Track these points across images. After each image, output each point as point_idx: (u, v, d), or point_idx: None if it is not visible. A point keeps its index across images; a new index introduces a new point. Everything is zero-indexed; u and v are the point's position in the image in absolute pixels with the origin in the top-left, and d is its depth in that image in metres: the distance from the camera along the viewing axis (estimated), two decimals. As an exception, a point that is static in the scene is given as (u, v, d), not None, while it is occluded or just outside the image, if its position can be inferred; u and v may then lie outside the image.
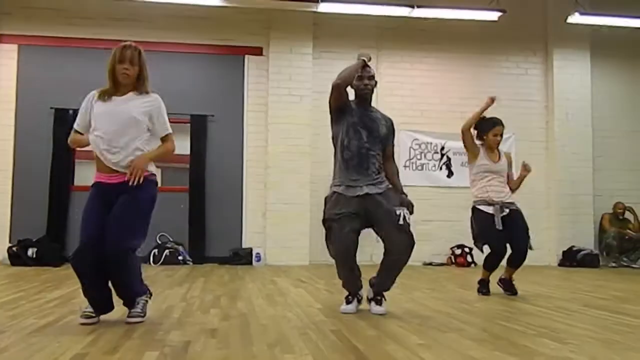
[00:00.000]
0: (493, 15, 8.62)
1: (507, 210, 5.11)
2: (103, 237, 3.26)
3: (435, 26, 9.23)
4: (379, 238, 4.01)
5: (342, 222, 3.89)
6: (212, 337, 3.01)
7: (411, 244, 3.86)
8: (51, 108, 8.47)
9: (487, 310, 4.24)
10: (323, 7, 8.25)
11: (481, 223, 5.14)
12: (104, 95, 3.48)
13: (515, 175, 5.40)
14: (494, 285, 5.25)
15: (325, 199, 4.09)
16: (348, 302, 4.00)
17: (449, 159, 9.30)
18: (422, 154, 9.24)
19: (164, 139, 3.60)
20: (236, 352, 2.68)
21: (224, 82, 9.03)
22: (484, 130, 5.29)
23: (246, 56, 9.04)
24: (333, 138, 4.17)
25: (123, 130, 3.41)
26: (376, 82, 4.20)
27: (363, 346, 2.86)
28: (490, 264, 5.16)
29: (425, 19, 8.84)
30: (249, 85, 9.04)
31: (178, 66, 8.73)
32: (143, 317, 3.46)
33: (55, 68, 8.64)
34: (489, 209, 5.10)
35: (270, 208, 8.73)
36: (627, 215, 9.46)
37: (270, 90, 8.90)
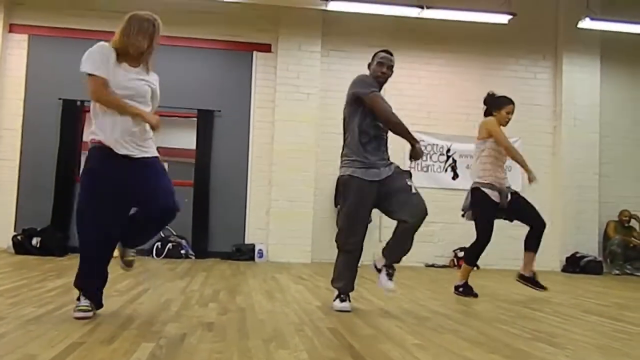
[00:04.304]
0: (503, 18, 8.59)
1: (509, 197, 5.16)
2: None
3: (445, 27, 9.21)
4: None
5: (364, 211, 4.01)
6: (208, 331, 3.02)
7: (426, 209, 3.98)
8: (59, 99, 8.52)
9: (485, 312, 4.23)
10: (332, 6, 8.26)
11: (484, 207, 5.14)
12: (120, 60, 3.35)
13: None
14: (497, 288, 5.23)
15: (342, 181, 4.13)
16: (342, 300, 4.01)
17: (454, 161, 9.29)
18: (428, 156, 9.22)
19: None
20: (231, 346, 2.69)
21: (231, 77, 9.05)
22: (498, 106, 5.25)
23: (254, 52, 9.06)
24: (345, 120, 4.21)
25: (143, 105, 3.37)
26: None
27: (358, 344, 2.86)
28: (476, 254, 5.20)
29: (435, 20, 8.82)
30: (256, 82, 9.05)
31: (186, 61, 8.75)
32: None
33: (64, 59, 8.67)
34: (494, 196, 5.13)
35: (274, 205, 8.75)
36: (633, 223, 9.41)
37: (278, 87, 8.92)
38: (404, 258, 4.11)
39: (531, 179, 5.20)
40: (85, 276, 3.31)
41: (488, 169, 5.17)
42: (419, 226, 4.00)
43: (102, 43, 3.38)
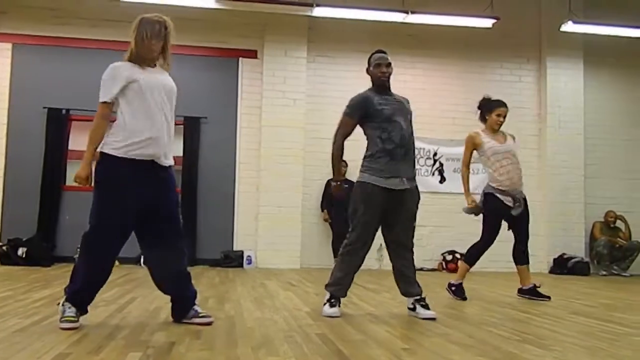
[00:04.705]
0: (487, 22, 8.66)
1: (521, 209, 5.19)
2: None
3: (429, 32, 9.26)
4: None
5: (368, 218, 3.99)
6: (196, 339, 3.00)
7: (413, 241, 4.17)
8: (44, 107, 8.46)
9: (474, 315, 4.24)
10: (318, 12, 8.27)
11: (493, 210, 5.20)
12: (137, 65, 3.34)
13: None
14: (488, 293, 5.25)
15: (359, 185, 4.06)
16: (332, 306, 4.00)
17: (441, 164, 9.33)
18: (415, 159, 9.23)
19: None
20: (220, 354, 2.67)
21: (218, 84, 9.03)
22: (488, 109, 5.31)
23: (240, 59, 9.06)
24: (367, 136, 4.16)
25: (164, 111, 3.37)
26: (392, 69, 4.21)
27: (348, 350, 2.86)
28: (475, 255, 5.27)
29: (419, 24, 8.87)
30: (242, 88, 9.05)
31: (172, 68, 8.69)
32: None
33: (49, 67, 8.64)
34: (505, 199, 5.19)
35: (262, 211, 8.73)
36: (618, 223, 9.49)
37: (264, 93, 8.91)
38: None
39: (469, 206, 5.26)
40: (87, 294, 3.28)
41: (499, 174, 5.23)
42: (413, 259, 4.16)
43: (116, 64, 3.32)
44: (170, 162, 3.40)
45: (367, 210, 3.98)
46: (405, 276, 4.10)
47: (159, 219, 3.33)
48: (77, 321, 3.19)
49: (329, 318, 3.86)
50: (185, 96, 8.62)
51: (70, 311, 3.20)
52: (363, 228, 4.00)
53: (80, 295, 3.25)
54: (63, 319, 3.17)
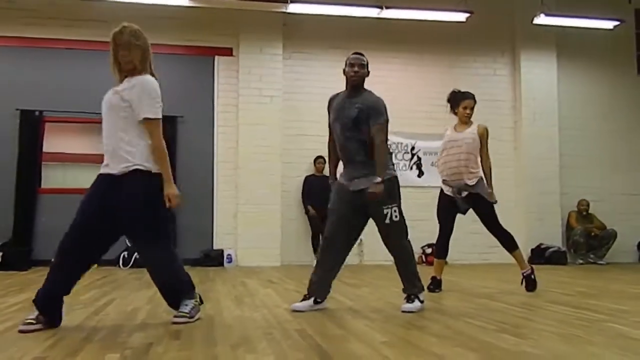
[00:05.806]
0: (461, 17, 8.72)
1: (467, 207, 5.17)
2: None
3: (404, 27, 9.30)
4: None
5: (336, 212, 4.06)
6: (175, 339, 2.98)
7: (400, 239, 4.05)
8: (17, 109, 8.33)
9: (452, 307, 4.28)
10: (292, 8, 8.26)
11: (438, 203, 5.32)
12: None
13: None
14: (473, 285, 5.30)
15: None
16: (303, 299, 4.04)
17: (419, 158, 9.39)
18: (393, 154, 9.28)
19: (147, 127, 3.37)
20: (198, 353, 2.66)
21: (193, 83, 8.98)
22: (455, 103, 5.35)
23: (216, 57, 9.01)
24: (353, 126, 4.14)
25: (107, 123, 3.39)
26: (369, 72, 4.16)
27: (327, 345, 2.87)
28: (437, 248, 5.37)
29: (394, 19, 8.90)
30: (219, 86, 9.01)
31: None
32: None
33: (21, 69, 8.50)
34: (447, 190, 5.24)
35: (241, 209, 8.71)
36: (592, 211, 9.63)
37: (241, 90, 8.88)
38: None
39: None
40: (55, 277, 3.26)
41: (440, 165, 5.42)
42: (405, 255, 4.08)
43: None
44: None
45: (332, 200, 4.13)
46: (398, 273, 4.15)
47: None
48: (35, 324, 3.12)
49: (307, 314, 3.86)
50: (161, 95, 8.67)
51: (32, 314, 3.19)
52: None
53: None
54: (23, 322, 3.16)
